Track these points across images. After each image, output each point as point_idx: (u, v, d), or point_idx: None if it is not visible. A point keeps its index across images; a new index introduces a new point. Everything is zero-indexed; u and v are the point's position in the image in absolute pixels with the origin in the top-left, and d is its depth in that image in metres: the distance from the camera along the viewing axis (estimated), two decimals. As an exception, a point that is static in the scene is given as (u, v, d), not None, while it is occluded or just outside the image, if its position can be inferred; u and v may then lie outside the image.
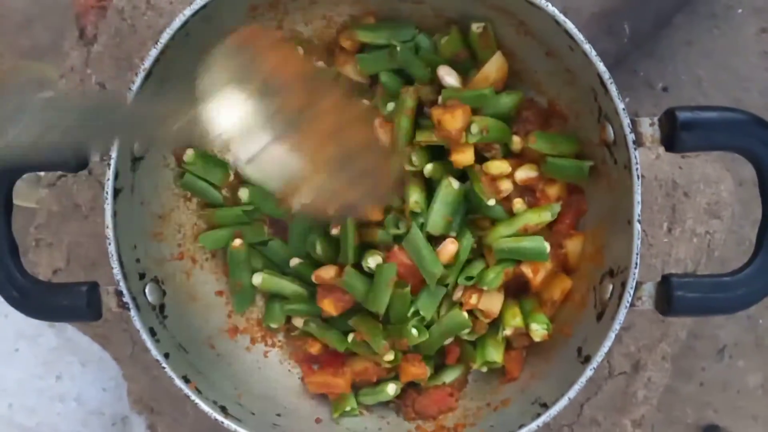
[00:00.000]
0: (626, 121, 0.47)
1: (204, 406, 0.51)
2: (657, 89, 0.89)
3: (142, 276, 0.54)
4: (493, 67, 0.55)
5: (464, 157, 0.53)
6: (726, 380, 0.89)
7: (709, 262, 0.67)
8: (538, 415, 0.50)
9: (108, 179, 0.50)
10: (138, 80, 0.49)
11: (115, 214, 0.51)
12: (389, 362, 0.56)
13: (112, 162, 0.49)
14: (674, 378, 0.86)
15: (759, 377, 0.89)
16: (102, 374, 0.83)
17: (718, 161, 0.68)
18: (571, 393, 0.49)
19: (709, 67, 0.89)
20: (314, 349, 0.59)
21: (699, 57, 0.89)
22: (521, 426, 0.50)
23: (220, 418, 0.52)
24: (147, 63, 0.49)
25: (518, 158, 0.56)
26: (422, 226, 0.54)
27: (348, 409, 0.57)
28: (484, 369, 0.58)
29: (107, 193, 0.50)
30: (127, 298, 0.51)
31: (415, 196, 0.55)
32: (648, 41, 0.86)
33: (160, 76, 0.51)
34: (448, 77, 0.55)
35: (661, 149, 0.65)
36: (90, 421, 0.84)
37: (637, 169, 0.48)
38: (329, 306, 0.56)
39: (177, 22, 0.49)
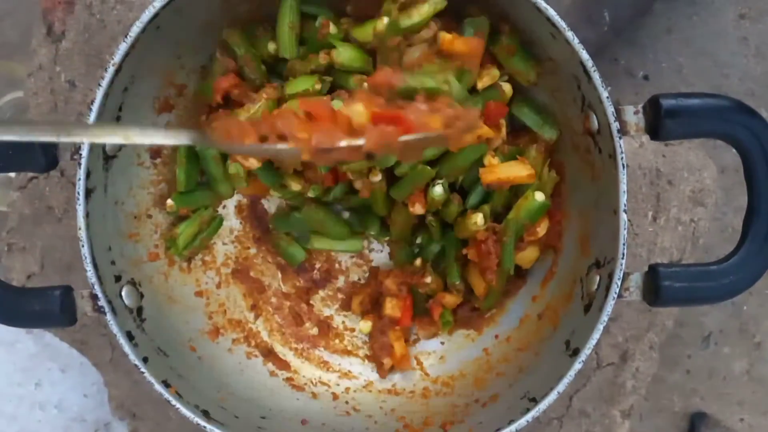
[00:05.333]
0: (610, 109, 0.47)
1: (185, 411, 0.50)
2: (638, 77, 0.89)
3: (117, 278, 0.53)
4: None
5: None
6: (712, 367, 0.89)
7: (694, 249, 0.66)
8: (528, 410, 0.49)
9: (79, 179, 0.48)
10: (107, 76, 0.47)
11: (87, 214, 0.49)
12: None
13: (83, 161, 0.48)
14: (661, 366, 0.85)
15: (744, 363, 0.90)
16: (83, 380, 0.82)
17: (700, 149, 0.68)
18: (560, 386, 0.49)
19: (690, 54, 0.89)
20: None
21: (679, 44, 0.89)
22: (511, 421, 0.50)
23: (202, 422, 0.50)
24: (117, 58, 0.47)
25: None
26: None
27: None
28: None
29: (79, 193, 0.48)
30: (102, 302, 0.49)
31: None
32: (628, 29, 0.85)
33: (130, 72, 0.50)
34: None
35: (645, 137, 0.65)
36: (71, 427, 0.82)
37: (622, 158, 0.47)
38: None
39: (147, 15, 0.47)
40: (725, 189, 0.85)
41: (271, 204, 0.63)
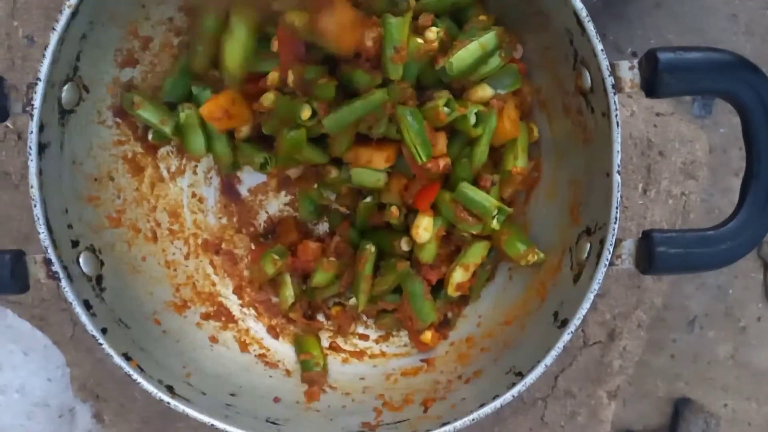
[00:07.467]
0: (605, 63, 0.44)
1: (148, 386, 0.47)
2: (626, 53, 0.87)
3: (75, 243, 0.49)
4: None
5: None
6: (696, 351, 0.88)
7: (685, 224, 0.64)
8: (513, 384, 0.47)
9: (31, 132, 0.44)
10: (62, 18, 0.44)
11: (41, 172, 0.46)
12: None
13: (36, 112, 0.44)
14: (645, 350, 0.84)
15: (729, 347, 0.88)
16: (46, 363, 0.78)
17: (693, 121, 0.66)
18: (548, 359, 0.46)
19: (678, 30, 0.87)
20: None
21: (668, 20, 0.87)
22: (495, 396, 0.47)
23: (166, 398, 0.47)
24: (72, -1, 0.44)
25: None
26: None
27: None
28: None
29: (31, 147, 0.44)
30: (57, 267, 0.46)
31: None
32: (617, 2, 0.83)
33: (89, 17, 0.46)
34: None
35: (636, 105, 0.63)
36: (35, 413, 0.79)
37: (616, 115, 0.44)
38: None
39: (107, -46, 0.44)
40: (712, 169, 0.83)
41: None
